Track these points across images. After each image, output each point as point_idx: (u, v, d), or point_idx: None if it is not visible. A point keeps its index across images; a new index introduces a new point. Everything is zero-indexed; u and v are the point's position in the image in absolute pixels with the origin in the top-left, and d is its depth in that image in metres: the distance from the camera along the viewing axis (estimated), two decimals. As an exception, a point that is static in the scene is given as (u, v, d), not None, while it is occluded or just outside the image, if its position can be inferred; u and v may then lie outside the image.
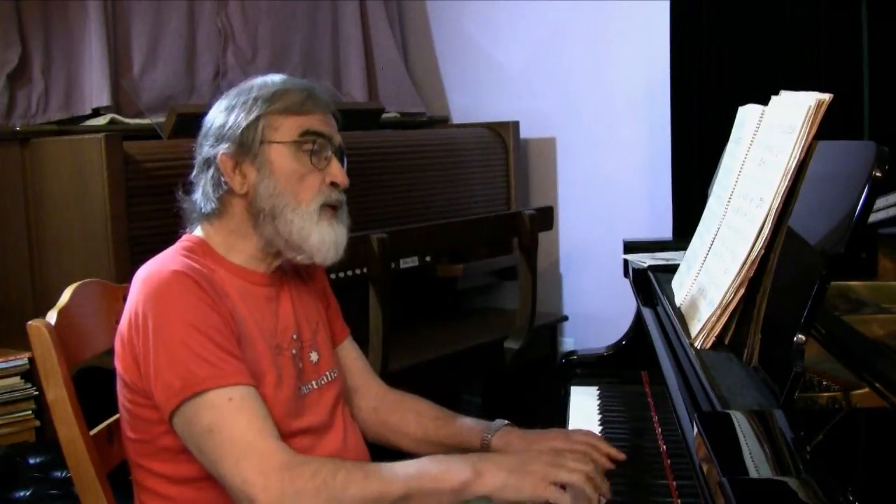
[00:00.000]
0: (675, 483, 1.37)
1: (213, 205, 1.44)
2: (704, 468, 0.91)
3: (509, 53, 3.64)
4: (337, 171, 1.45)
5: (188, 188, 1.48)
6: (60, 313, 1.44)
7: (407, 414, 1.63)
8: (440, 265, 3.14)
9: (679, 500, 1.32)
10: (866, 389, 1.08)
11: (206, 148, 1.45)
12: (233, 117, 1.43)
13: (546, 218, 3.04)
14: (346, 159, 1.50)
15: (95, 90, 2.84)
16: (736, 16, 2.87)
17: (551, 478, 1.27)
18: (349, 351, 1.68)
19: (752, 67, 2.83)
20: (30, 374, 2.42)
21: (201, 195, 1.45)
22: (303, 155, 1.43)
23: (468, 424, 1.57)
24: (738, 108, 1.59)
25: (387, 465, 1.30)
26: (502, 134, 3.46)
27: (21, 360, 2.41)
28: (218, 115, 1.45)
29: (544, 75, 3.54)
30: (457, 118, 3.83)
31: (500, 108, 3.60)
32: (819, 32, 2.71)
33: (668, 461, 1.44)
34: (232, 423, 1.28)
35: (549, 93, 3.53)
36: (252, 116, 1.42)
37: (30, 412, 2.43)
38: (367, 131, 3.15)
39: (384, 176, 2.99)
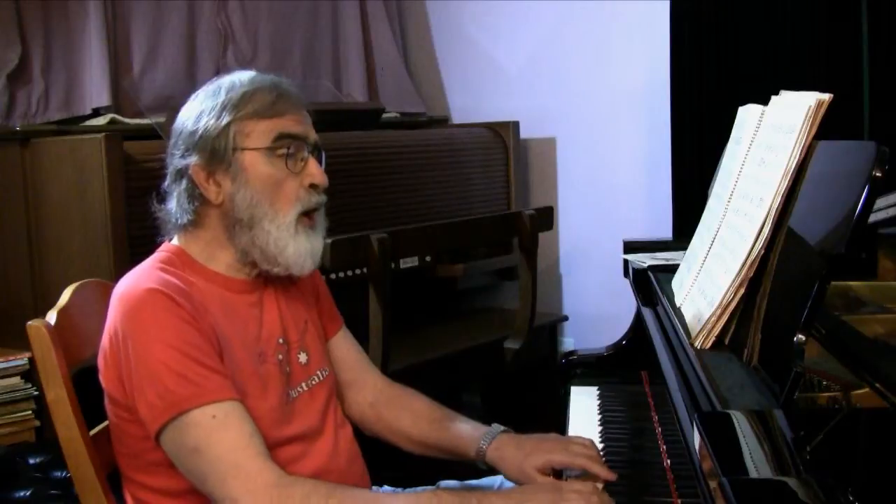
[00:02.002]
0: (675, 483, 1.37)
1: (190, 216, 1.41)
2: (704, 468, 0.91)
3: (509, 53, 3.64)
4: (315, 172, 1.42)
5: (162, 197, 1.45)
6: (60, 313, 1.44)
7: (403, 413, 1.61)
8: (440, 265, 3.14)
9: (679, 501, 1.32)
10: (866, 389, 1.08)
11: (176, 158, 1.41)
12: (202, 124, 1.38)
13: (546, 218, 3.04)
14: (324, 156, 1.46)
15: (95, 90, 2.84)
16: (736, 16, 2.87)
17: None
18: (343, 343, 1.65)
19: (752, 67, 2.83)
20: (30, 374, 2.42)
21: (177, 206, 1.42)
22: (278, 160, 1.39)
23: (465, 431, 1.54)
24: (738, 108, 1.59)
25: (385, 496, 1.29)
26: (502, 134, 3.46)
27: (21, 360, 2.41)
28: (187, 122, 1.41)
29: (544, 75, 3.54)
30: (457, 118, 3.83)
31: (500, 108, 3.60)
32: (819, 32, 2.71)
33: (668, 461, 1.44)
34: (217, 441, 1.26)
35: (549, 93, 3.53)
36: (222, 123, 1.37)
37: (30, 412, 2.43)
38: (367, 131, 3.15)
39: (384, 176, 2.99)
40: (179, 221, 1.42)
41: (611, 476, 1.39)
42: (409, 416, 1.60)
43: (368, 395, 1.64)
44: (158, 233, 1.49)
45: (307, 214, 1.42)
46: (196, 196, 1.40)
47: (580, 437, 1.50)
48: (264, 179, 1.38)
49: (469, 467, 1.56)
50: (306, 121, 1.44)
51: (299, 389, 1.46)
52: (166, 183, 1.44)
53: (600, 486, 1.35)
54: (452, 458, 1.56)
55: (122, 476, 1.43)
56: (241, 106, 1.38)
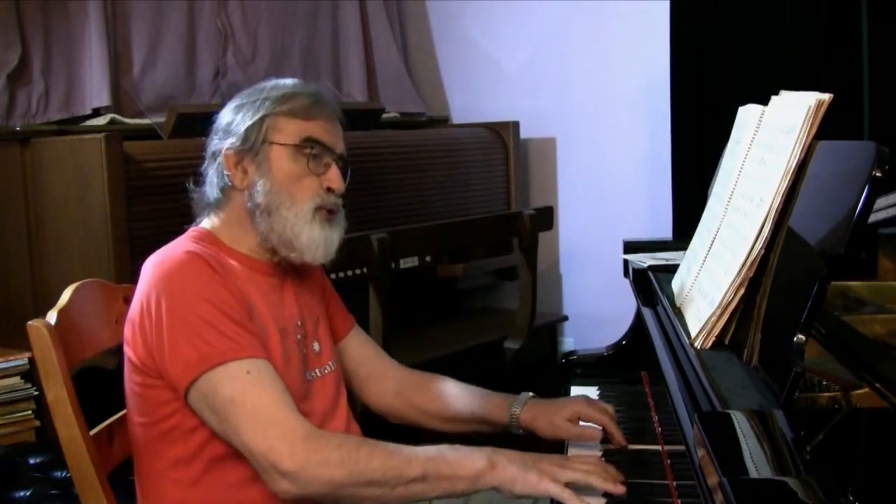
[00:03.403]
0: (675, 483, 1.37)
1: (217, 194, 1.49)
2: (704, 468, 0.91)
3: (509, 53, 3.64)
4: (334, 178, 1.49)
5: (198, 180, 1.54)
6: (60, 313, 1.44)
7: (433, 394, 1.68)
8: (440, 265, 3.14)
9: (679, 500, 1.32)
10: (866, 389, 1.08)
11: (214, 141, 1.51)
12: (240, 115, 1.48)
13: (546, 218, 3.04)
14: (349, 170, 1.53)
15: (95, 90, 2.84)
16: (736, 16, 2.87)
17: (559, 476, 1.31)
18: (358, 339, 1.72)
19: (753, 67, 2.83)
20: (30, 374, 2.42)
21: (208, 185, 1.51)
22: (302, 158, 1.47)
23: (496, 400, 1.65)
24: (738, 109, 1.59)
25: (407, 447, 1.34)
26: (502, 134, 3.46)
27: (21, 360, 2.41)
28: (228, 113, 1.51)
29: (544, 75, 3.54)
30: (457, 118, 3.83)
31: (500, 108, 3.60)
32: (819, 32, 2.71)
33: (668, 461, 1.44)
34: (253, 394, 1.32)
35: (549, 93, 3.53)
36: (258, 116, 1.47)
37: (30, 412, 2.43)
38: (367, 131, 3.15)
39: (384, 176, 2.99)
40: (209, 199, 1.50)
41: (622, 442, 1.53)
42: (440, 395, 1.68)
43: (392, 384, 1.70)
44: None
45: (325, 210, 1.50)
46: (223, 177, 1.49)
47: (598, 402, 1.63)
48: (286, 173, 1.47)
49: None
50: (337, 132, 1.52)
51: (314, 374, 1.53)
52: (203, 166, 1.53)
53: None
54: (485, 428, 1.65)
55: (135, 452, 1.47)
56: (279, 103, 1.48)
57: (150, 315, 1.36)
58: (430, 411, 1.68)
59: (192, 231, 1.51)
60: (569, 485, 1.31)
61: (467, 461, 1.32)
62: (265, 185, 1.46)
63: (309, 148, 1.47)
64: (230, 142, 1.47)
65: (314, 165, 1.47)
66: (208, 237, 1.49)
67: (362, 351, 1.71)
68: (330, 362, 1.57)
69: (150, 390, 1.39)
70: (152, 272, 1.39)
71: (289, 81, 1.53)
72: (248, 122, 1.46)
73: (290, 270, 1.55)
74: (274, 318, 1.46)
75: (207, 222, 1.52)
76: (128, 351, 1.42)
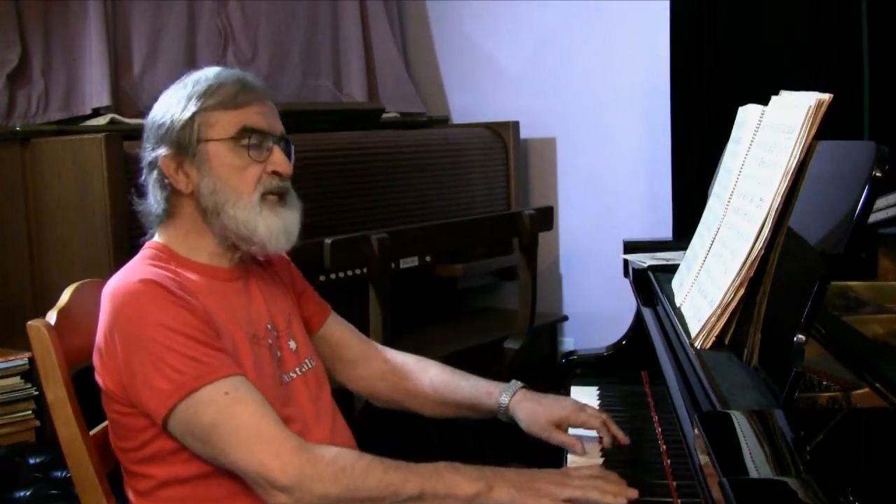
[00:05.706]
0: (674, 483, 1.37)
1: (164, 206, 1.44)
2: (704, 468, 0.91)
3: (509, 53, 3.64)
4: (279, 160, 1.44)
5: (141, 191, 1.48)
6: (60, 313, 1.44)
7: (419, 378, 1.67)
8: (440, 265, 3.14)
9: (679, 501, 1.32)
10: (866, 389, 1.08)
11: (147, 151, 1.45)
12: (168, 117, 1.42)
13: (546, 218, 3.04)
14: (293, 148, 1.49)
15: (95, 90, 2.84)
16: (736, 16, 2.87)
17: (557, 494, 1.30)
18: (338, 324, 1.70)
19: (752, 67, 2.83)
20: (30, 374, 2.42)
21: (152, 197, 1.45)
22: (241, 149, 1.42)
23: (484, 386, 1.63)
24: (738, 108, 1.59)
25: (404, 463, 1.33)
26: (502, 134, 3.46)
27: (21, 360, 2.41)
28: (156, 115, 1.45)
29: (544, 75, 3.54)
30: (457, 118, 3.83)
31: (500, 108, 3.60)
32: (819, 32, 2.71)
33: (668, 461, 1.44)
34: (235, 414, 1.29)
35: (549, 93, 3.53)
36: (187, 115, 1.41)
37: (30, 412, 2.43)
38: (367, 131, 3.15)
39: (384, 176, 2.99)
40: (156, 212, 1.45)
41: (624, 439, 1.52)
42: (426, 380, 1.67)
43: (378, 367, 1.70)
44: (142, 232, 1.51)
45: (273, 194, 1.45)
46: (166, 186, 1.43)
47: (592, 407, 1.61)
48: (227, 168, 1.42)
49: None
50: (271, 113, 1.47)
51: (292, 374, 1.50)
52: (142, 177, 1.47)
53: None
54: (472, 414, 1.64)
55: (124, 471, 1.44)
56: (206, 97, 1.42)
57: (115, 350, 1.33)
58: (419, 396, 1.67)
59: (147, 248, 1.46)
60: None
61: (464, 482, 1.30)
62: (209, 184, 1.41)
63: (247, 138, 1.41)
64: (165, 149, 1.41)
65: (256, 154, 1.42)
66: (164, 251, 1.44)
67: (344, 335, 1.69)
68: (307, 359, 1.54)
69: (127, 418, 1.37)
70: (110, 305, 1.35)
71: (210, 72, 1.46)
72: (179, 125, 1.40)
73: (253, 268, 1.52)
74: (242, 326, 1.43)
75: (160, 235, 1.47)
76: (100, 381, 1.39)
